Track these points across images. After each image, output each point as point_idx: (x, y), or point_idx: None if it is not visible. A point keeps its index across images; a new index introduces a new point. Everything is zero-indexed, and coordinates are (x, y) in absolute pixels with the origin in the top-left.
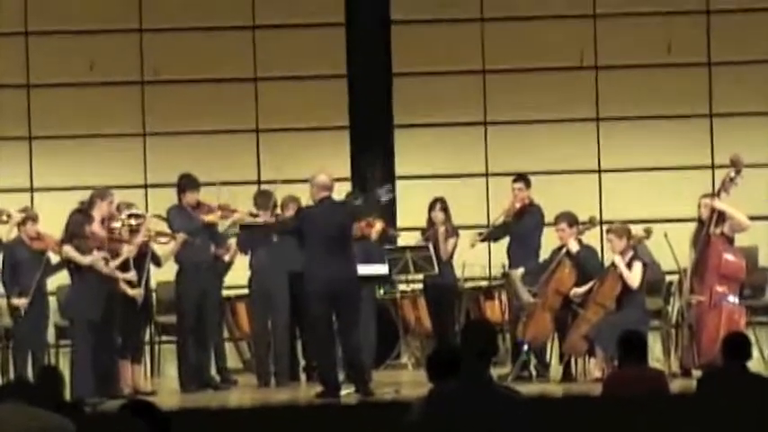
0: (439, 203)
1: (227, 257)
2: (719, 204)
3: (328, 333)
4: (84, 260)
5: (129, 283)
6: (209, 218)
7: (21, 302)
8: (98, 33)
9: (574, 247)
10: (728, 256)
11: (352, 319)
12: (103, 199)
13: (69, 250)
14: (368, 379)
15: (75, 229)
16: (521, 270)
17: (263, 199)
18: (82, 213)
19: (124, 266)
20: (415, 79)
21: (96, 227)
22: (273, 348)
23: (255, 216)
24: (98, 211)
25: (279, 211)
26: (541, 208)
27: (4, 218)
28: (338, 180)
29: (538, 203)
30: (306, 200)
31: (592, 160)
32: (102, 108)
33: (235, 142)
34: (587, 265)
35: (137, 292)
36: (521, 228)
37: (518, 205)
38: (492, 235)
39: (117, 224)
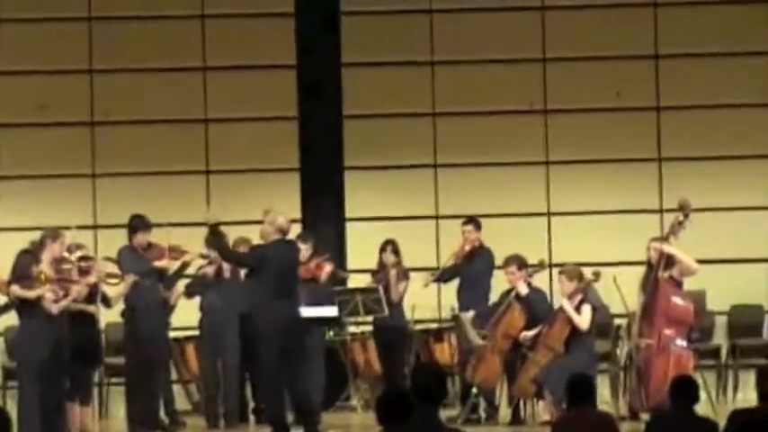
0: (390, 246)
1: (171, 300)
2: (668, 248)
3: (277, 375)
4: (32, 294)
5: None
6: (160, 264)
7: None
8: (49, 74)
9: (523, 289)
10: (677, 300)
11: (301, 361)
12: (55, 240)
13: (16, 289)
14: (317, 421)
15: (23, 270)
16: (471, 313)
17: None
18: (30, 254)
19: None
20: (366, 121)
21: (45, 267)
22: (223, 390)
23: (206, 257)
24: (49, 252)
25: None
26: (491, 250)
27: None
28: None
29: (488, 246)
30: (257, 241)
31: (541, 203)
32: (52, 148)
33: (185, 183)
34: (537, 308)
35: (94, 308)
36: (471, 270)
37: (468, 248)
38: (443, 276)
39: (67, 265)
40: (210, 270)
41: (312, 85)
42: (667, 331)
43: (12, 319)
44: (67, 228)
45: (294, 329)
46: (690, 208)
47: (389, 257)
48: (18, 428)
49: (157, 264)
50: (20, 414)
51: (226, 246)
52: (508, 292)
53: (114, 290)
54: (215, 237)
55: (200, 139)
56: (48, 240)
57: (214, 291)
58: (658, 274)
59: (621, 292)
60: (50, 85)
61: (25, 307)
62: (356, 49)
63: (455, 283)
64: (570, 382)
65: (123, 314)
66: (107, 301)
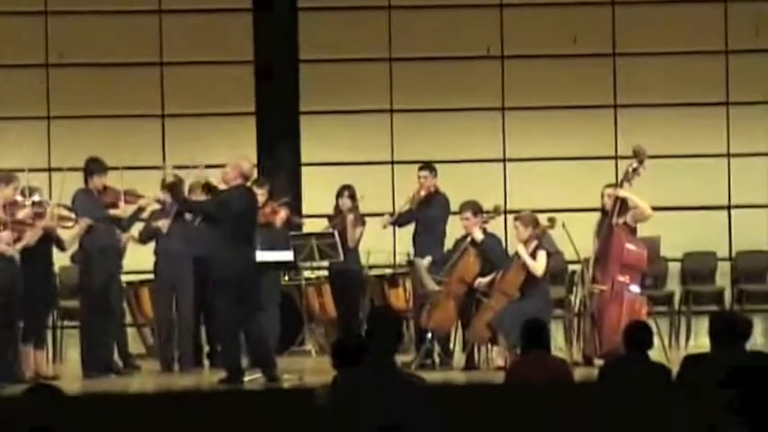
0: (347, 191)
1: (121, 244)
2: (623, 192)
3: (233, 320)
4: None
5: None
6: (116, 212)
7: None
8: (3, 15)
9: (478, 235)
10: (630, 246)
11: (257, 305)
12: (8, 183)
13: None
14: (273, 364)
15: None
16: (428, 259)
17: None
18: None
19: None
20: (322, 66)
21: None
22: (177, 334)
23: (161, 202)
24: (1, 196)
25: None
26: (447, 196)
27: None
28: None
29: (443, 192)
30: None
31: (497, 149)
32: (6, 91)
33: (140, 127)
34: (492, 254)
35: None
36: (426, 216)
37: (423, 193)
38: (399, 220)
39: (21, 209)
40: (164, 224)
41: (268, 28)
42: (621, 278)
43: None
44: (20, 170)
45: (251, 275)
46: (644, 154)
47: (346, 202)
48: None
49: (113, 212)
50: None
51: (186, 201)
52: (464, 237)
53: (68, 233)
54: (174, 196)
55: (155, 83)
56: (0, 184)
57: (168, 234)
58: (612, 220)
59: (571, 238)
60: (5, 26)
61: None
62: None
63: (410, 228)
64: (524, 327)
65: (74, 257)
66: (61, 244)
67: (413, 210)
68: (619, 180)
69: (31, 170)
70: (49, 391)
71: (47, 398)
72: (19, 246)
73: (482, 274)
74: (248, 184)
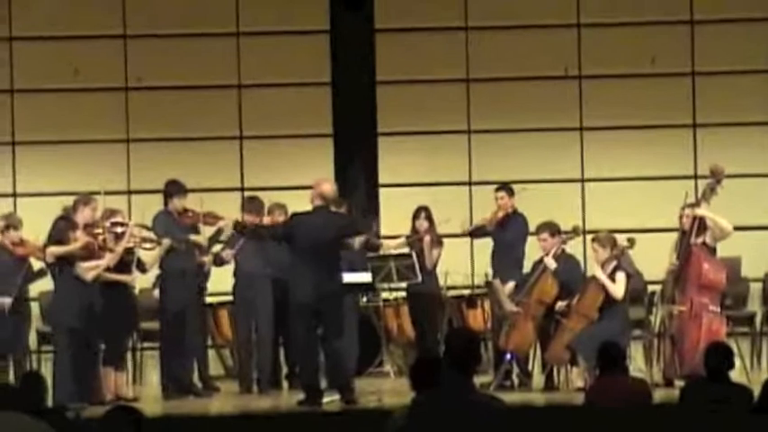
0: (423, 212)
1: (205, 267)
2: (701, 211)
3: (311, 340)
4: (71, 247)
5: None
6: (195, 238)
7: (5, 301)
8: (83, 39)
9: (551, 264)
10: (709, 266)
11: (336, 327)
12: (86, 205)
13: (54, 249)
14: (351, 387)
15: (59, 236)
16: (511, 284)
17: (251, 205)
18: (66, 220)
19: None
20: (399, 87)
21: (80, 233)
22: (256, 355)
23: (241, 224)
24: (81, 217)
25: (267, 217)
26: (525, 217)
27: None
28: None
29: (521, 212)
30: (294, 207)
31: (575, 169)
32: (86, 114)
33: (218, 149)
34: (569, 276)
35: (131, 278)
36: (505, 237)
37: (501, 214)
38: (475, 231)
39: (99, 230)
40: (228, 254)
41: (345, 50)
42: (700, 298)
43: (47, 284)
44: (98, 193)
45: (329, 298)
46: (721, 173)
47: (423, 224)
48: (53, 393)
49: (192, 237)
50: (55, 379)
51: (257, 231)
52: (542, 259)
53: (149, 255)
54: (242, 232)
55: (233, 105)
56: (80, 205)
57: (248, 256)
58: (691, 240)
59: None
60: (84, 50)
61: (60, 272)
62: (390, 14)
63: (488, 249)
64: (601, 349)
65: (157, 280)
66: (142, 267)
67: (488, 228)
68: (697, 199)
69: (110, 193)
70: (129, 413)
71: (128, 420)
72: (100, 269)
73: (560, 296)
74: (328, 205)
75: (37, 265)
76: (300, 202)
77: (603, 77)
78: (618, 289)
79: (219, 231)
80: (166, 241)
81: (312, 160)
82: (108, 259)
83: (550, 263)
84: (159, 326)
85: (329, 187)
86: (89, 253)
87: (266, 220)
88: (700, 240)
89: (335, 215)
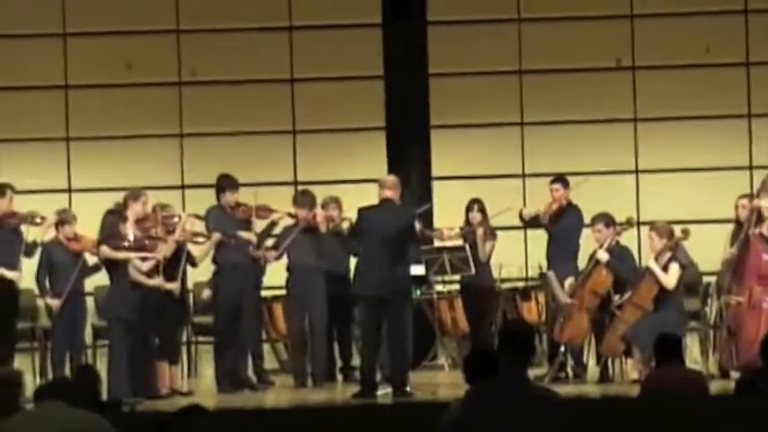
0: (477, 205)
1: (261, 261)
2: (762, 202)
3: (376, 334)
4: (119, 255)
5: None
6: (246, 234)
7: (54, 303)
8: (135, 34)
9: (603, 257)
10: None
11: (401, 320)
12: (136, 200)
13: (105, 250)
14: (406, 380)
15: (110, 230)
16: (570, 280)
17: (303, 198)
18: (116, 214)
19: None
20: (452, 80)
21: (130, 227)
22: (310, 349)
23: (294, 216)
24: (131, 212)
25: (319, 210)
26: (580, 208)
27: (38, 220)
28: (375, 181)
29: (576, 204)
30: (347, 200)
31: (629, 161)
32: (139, 109)
33: (271, 143)
34: (623, 267)
35: (174, 286)
36: (559, 228)
37: (556, 206)
38: (529, 221)
39: (150, 224)
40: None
41: (398, 42)
42: (758, 288)
43: (102, 278)
44: (150, 188)
45: (397, 290)
46: None
47: (476, 216)
48: (108, 387)
49: (243, 234)
50: (109, 373)
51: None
52: (594, 252)
53: (200, 249)
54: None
55: (286, 99)
56: (129, 200)
57: (302, 249)
58: (749, 231)
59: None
60: (138, 45)
61: (114, 267)
62: (442, 7)
63: (543, 241)
64: (657, 340)
65: (213, 274)
66: (192, 261)
67: (542, 220)
68: (754, 190)
69: (163, 187)
70: (200, 411)
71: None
72: (151, 262)
73: (615, 287)
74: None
75: (92, 259)
76: (353, 196)
77: (657, 68)
78: (670, 280)
79: (273, 224)
80: (216, 236)
81: (365, 154)
82: (162, 251)
83: (603, 256)
84: (213, 319)
85: (394, 179)
86: (141, 249)
87: (319, 213)
88: (757, 231)
89: (400, 208)
